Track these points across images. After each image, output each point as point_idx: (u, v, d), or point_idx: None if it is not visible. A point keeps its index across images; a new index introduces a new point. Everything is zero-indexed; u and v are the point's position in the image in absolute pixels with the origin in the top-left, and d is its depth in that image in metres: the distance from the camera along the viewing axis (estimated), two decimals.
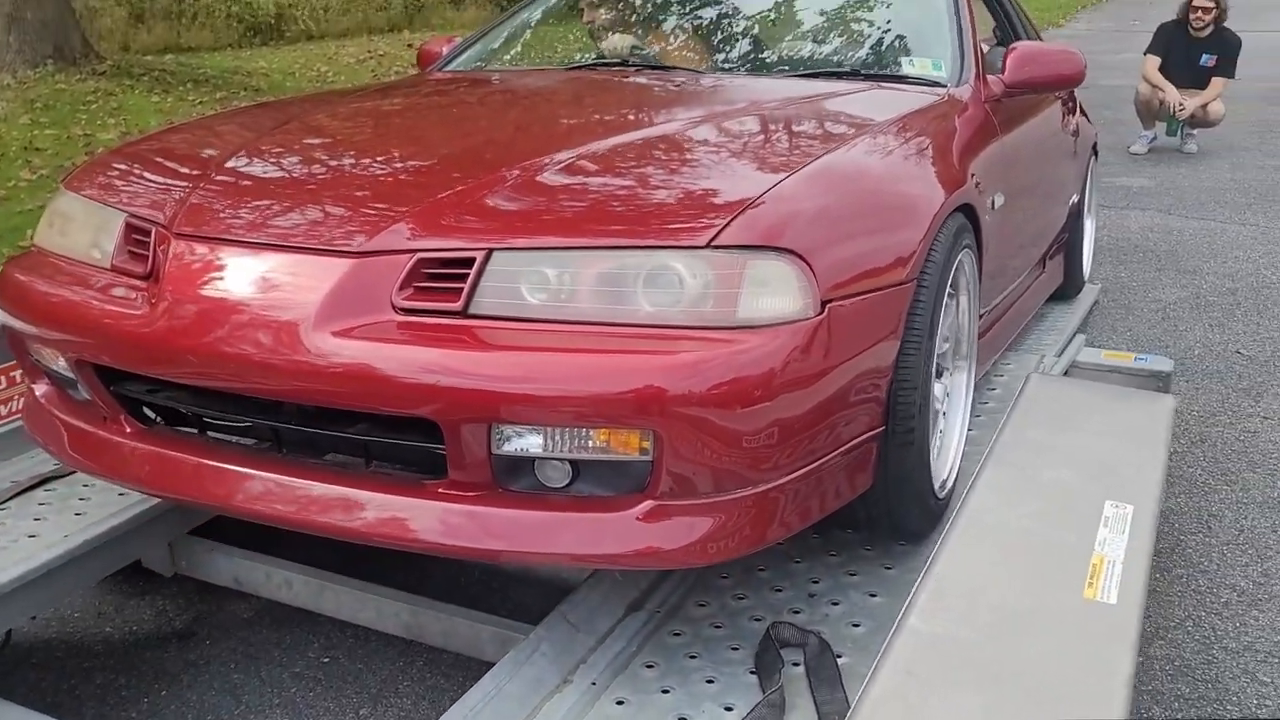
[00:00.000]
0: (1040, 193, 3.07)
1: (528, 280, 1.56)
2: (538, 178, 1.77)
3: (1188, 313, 4.34)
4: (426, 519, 1.58)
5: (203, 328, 1.64)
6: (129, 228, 1.87)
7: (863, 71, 2.60)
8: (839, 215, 1.74)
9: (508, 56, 3.15)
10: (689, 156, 1.95)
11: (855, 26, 2.85)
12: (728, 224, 1.56)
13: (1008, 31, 3.48)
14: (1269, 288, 4.62)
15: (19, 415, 2.29)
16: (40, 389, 2.03)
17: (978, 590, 1.27)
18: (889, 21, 2.84)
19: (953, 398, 2.22)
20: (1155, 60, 7.18)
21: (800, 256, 1.57)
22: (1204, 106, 7.10)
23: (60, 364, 1.91)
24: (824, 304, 1.59)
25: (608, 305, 1.53)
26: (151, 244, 1.80)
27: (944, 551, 1.35)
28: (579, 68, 2.88)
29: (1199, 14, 7.01)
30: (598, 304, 1.54)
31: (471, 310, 1.56)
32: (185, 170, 2.00)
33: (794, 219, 1.63)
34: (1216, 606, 2.39)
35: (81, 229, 1.96)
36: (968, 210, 2.10)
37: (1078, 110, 3.90)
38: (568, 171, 1.81)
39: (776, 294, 1.55)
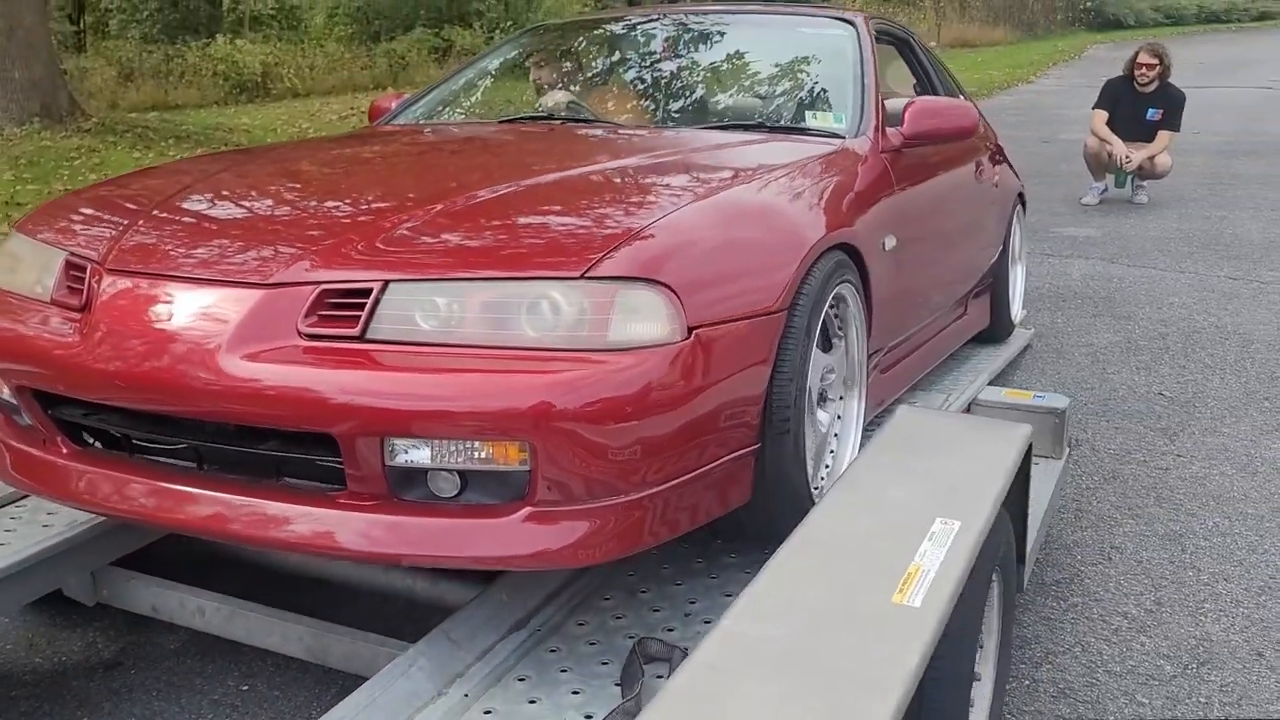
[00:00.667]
0: (948, 239, 3.20)
1: (420, 308, 1.70)
2: (438, 217, 1.93)
3: (1117, 356, 4.46)
4: (327, 527, 1.70)
5: (128, 354, 1.78)
6: (68, 265, 2.01)
7: (768, 124, 2.76)
8: (710, 248, 1.88)
9: (450, 111, 3.30)
10: (582, 197, 2.11)
11: (766, 83, 3.01)
12: (601, 258, 1.71)
13: (926, 89, 3.66)
14: (1199, 332, 4.76)
15: None
16: None
17: (795, 594, 1.35)
18: (798, 78, 3.01)
19: (844, 424, 2.34)
20: (1103, 115, 7.41)
21: (667, 286, 1.71)
22: (1151, 159, 7.31)
23: (4, 392, 2.04)
24: (691, 330, 1.72)
25: (493, 330, 1.68)
26: (86, 279, 1.94)
27: (773, 560, 1.44)
28: (509, 121, 3.04)
29: (1143, 70, 7.26)
30: (484, 329, 1.68)
31: (369, 335, 1.70)
32: (123, 213, 2.15)
33: (664, 252, 1.78)
34: (1106, 633, 2.48)
35: (28, 267, 2.10)
36: (850, 250, 2.23)
37: (1001, 163, 4.07)
38: (467, 211, 1.96)
39: (644, 320, 1.69)
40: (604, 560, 1.72)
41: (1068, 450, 2.85)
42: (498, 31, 16.57)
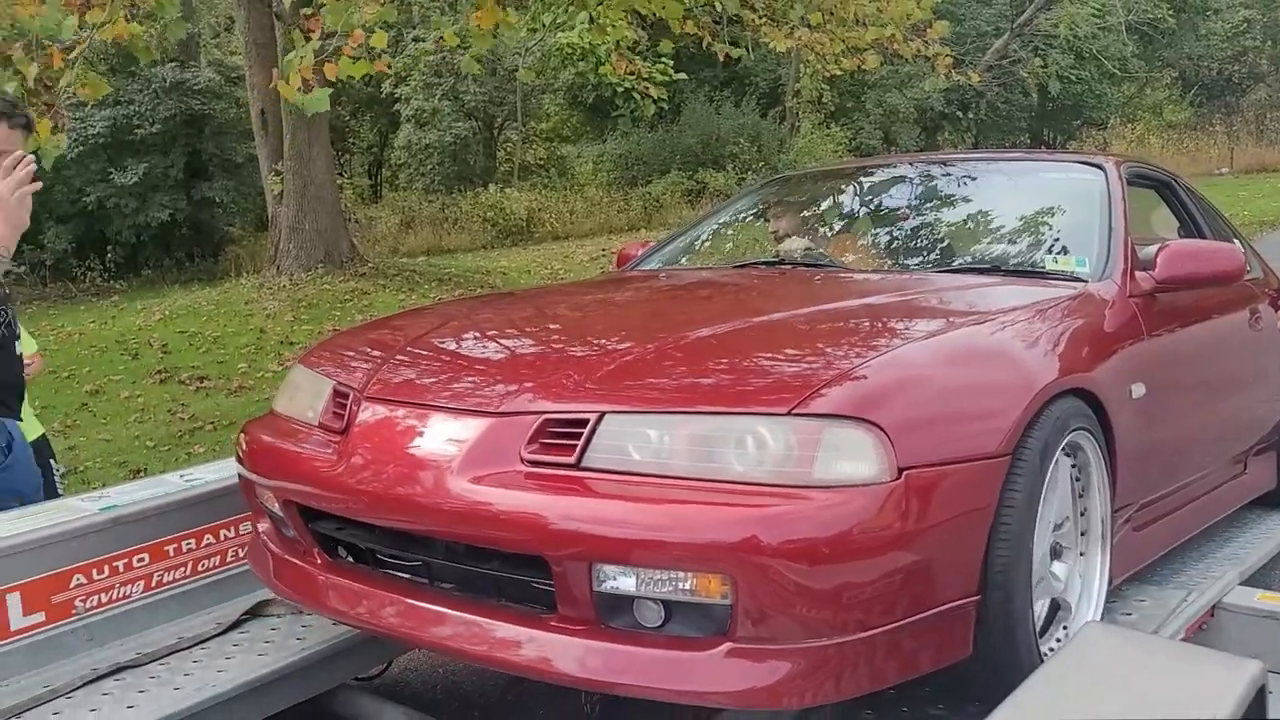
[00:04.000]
0: (1215, 389, 3.05)
1: (633, 439, 1.87)
2: (655, 353, 2.11)
3: None
4: (539, 649, 1.86)
5: (374, 473, 2.06)
6: (335, 393, 2.36)
7: (1004, 268, 2.80)
8: (928, 389, 1.94)
9: (690, 257, 3.57)
10: (799, 337, 2.23)
11: (1006, 227, 3.06)
12: (810, 395, 1.81)
13: (1191, 232, 3.54)
14: None
15: (244, 560, 2.77)
16: (262, 527, 2.52)
17: None
18: (1040, 222, 3.03)
19: (1085, 580, 2.27)
20: None
21: (876, 425, 1.78)
22: None
23: (275, 505, 2.38)
24: (902, 470, 1.77)
25: (701, 463, 1.81)
26: (348, 406, 2.27)
27: None
28: (743, 265, 3.25)
29: None
30: (692, 462, 1.82)
31: (584, 464, 1.88)
32: (382, 348, 2.50)
33: (876, 391, 1.86)
34: None
35: (304, 395, 2.49)
36: (1090, 397, 2.22)
37: None
38: (684, 348, 2.14)
39: (851, 458, 1.76)
40: (802, 705, 1.75)
41: None
42: (749, 173, 17.33)
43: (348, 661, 2.55)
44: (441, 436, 2.03)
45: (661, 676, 1.76)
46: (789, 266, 3.11)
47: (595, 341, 2.34)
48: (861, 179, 3.60)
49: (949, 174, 3.43)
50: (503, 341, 2.53)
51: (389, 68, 6.56)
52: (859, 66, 8.91)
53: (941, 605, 1.86)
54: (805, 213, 3.54)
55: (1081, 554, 2.28)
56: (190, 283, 14.18)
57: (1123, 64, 23.65)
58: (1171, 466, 2.77)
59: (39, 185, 2.58)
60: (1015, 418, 1.98)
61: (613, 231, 16.65)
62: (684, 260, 3.54)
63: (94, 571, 2.52)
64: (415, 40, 16.36)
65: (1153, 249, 2.85)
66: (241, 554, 2.76)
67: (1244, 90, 28.59)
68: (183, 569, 2.70)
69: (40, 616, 2.41)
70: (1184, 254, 2.73)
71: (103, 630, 2.52)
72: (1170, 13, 22.19)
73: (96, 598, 2.52)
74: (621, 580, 1.78)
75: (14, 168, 2.52)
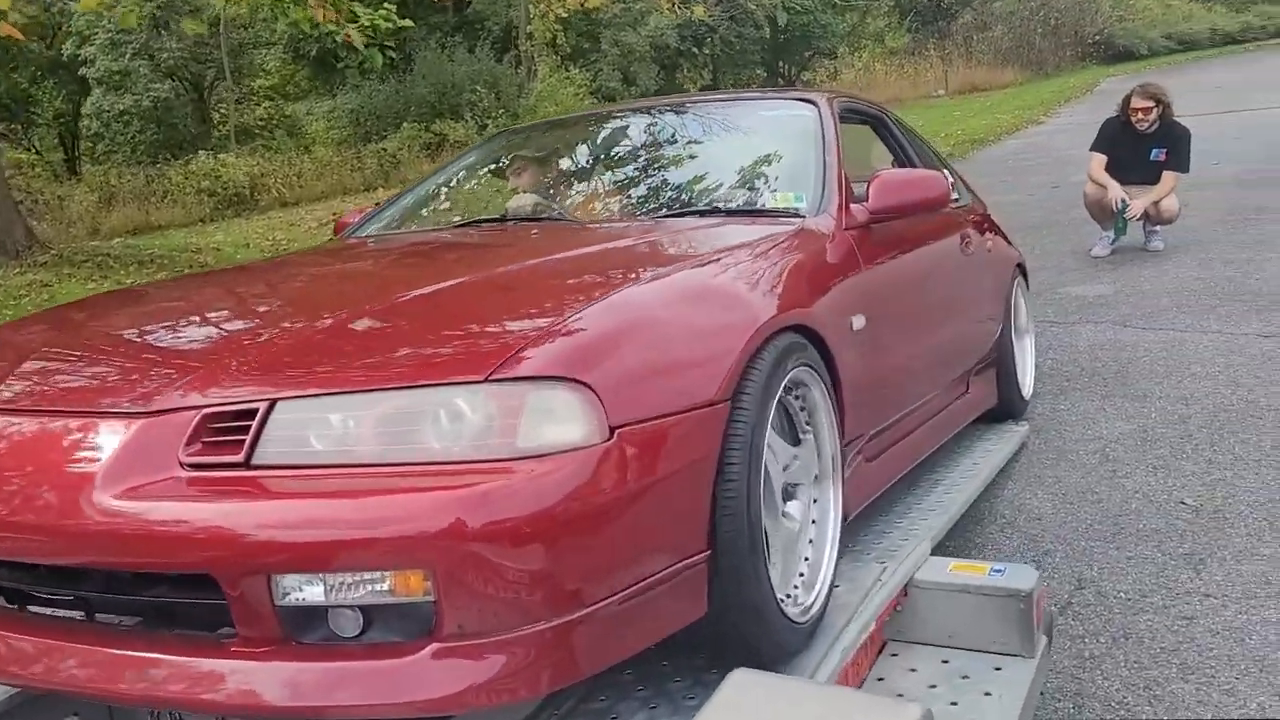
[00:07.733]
0: (932, 315, 3.24)
1: (313, 427, 1.67)
2: (334, 328, 1.92)
3: (1130, 452, 3.92)
4: (220, 679, 1.62)
5: (3, 496, 1.73)
6: None
7: (724, 208, 2.85)
8: (637, 340, 1.86)
9: (414, 219, 3.42)
10: (498, 297, 2.11)
11: (724, 167, 3.11)
12: (509, 358, 1.67)
13: (903, 163, 3.74)
14: (1226, 410, 4.22)
15: None
16: None
17: None
18: (757, 160, 3.11)
19: (819, 518, 2.30)
20: (1101, 159, 7.24)
21: (583, 383, 1.68)
22: (1156, 204, 7.10)
23: None
24: (614, 429, 1.69)
25: (393, 445, 1.63)
26: None
27: None
28: (465, 224, 3.16)
29: (1140, 115, 7.13)
30: (383, 445, 1.63)
31: (255, 461, 1.65)
32: (13, 350, 2.15)
33: (580, 347, 1.76)
34: None
35: None
36: (809, 332, 2.25)
37: (993, 233, 4.14)
38: (367, 319, 1.96)
39: (559, 422, 1.65)
40: (525, 698, 1.66)
41: (1045, 640, 2.32)
42: (490, 121, 17.03)
43: None
44: (79, 447, 1.75)
45: (370, 691, 1.59)
46: (513, 223, 3.04)
47: (268, 323, 2.11)
48: (586, 129, 3.58)
49: (670, 118, 3.44)
50: (160, 333, 2.23)
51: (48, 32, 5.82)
52: (581, 5, 8.87)
53: (671, 567, 1.81)
54: (532, 166, 3.47)
55: (815, 494, 2.32)
56: None
57: None
58: (898, 394, 2.92)
59: None
60: (732, 361, 1.96)
61: (347, 193, 15.92)
62: (410, 224, 3.39)
63: None
64: None
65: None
66: None
67: (953, 15, 30.93)
68: None
69: None
70: (893, 183, 2.86)
71: None
72: None
73: None
74: (308, 590, 1.59)
75: None
